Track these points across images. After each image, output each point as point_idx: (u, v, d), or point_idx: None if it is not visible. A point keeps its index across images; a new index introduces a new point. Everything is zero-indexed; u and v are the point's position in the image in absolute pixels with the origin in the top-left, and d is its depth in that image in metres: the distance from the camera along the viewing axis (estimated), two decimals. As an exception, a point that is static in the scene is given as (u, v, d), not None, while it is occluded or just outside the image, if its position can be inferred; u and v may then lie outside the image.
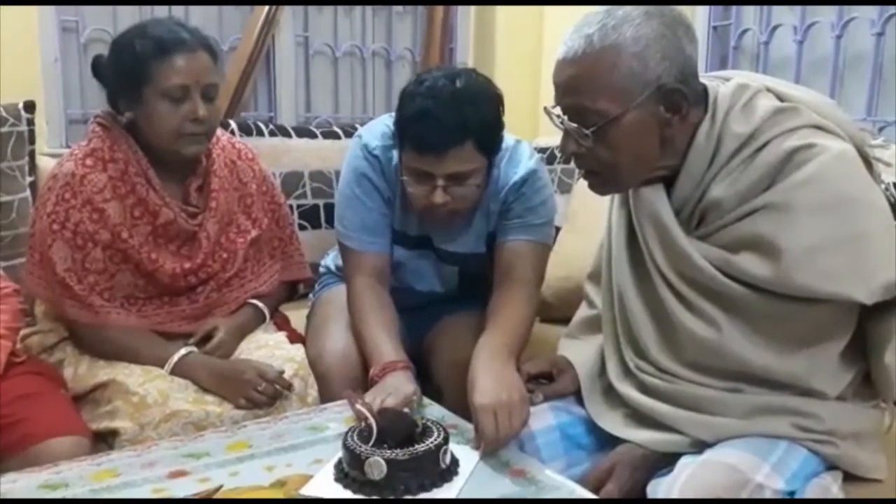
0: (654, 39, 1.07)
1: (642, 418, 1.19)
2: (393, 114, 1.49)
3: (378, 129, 1.56)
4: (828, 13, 2.11)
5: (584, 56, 1.08)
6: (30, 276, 1.51)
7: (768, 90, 1.14)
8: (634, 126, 1.10)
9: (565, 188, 2.18)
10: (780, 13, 2.24)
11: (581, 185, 2.06)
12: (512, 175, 1.54)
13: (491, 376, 1.24)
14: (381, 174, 1.55)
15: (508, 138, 1.58)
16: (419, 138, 1.39)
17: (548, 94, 2.91)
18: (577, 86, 1.10)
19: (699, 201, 1.14)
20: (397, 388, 1.30)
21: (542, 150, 2.32)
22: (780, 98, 1.13)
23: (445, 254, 1.63)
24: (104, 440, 1.38)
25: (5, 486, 1.09)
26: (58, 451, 1.24)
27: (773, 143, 1.07)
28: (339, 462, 1.12)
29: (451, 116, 1.35)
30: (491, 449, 1.17)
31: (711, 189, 1.12)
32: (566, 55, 1.10)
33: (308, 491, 1.07)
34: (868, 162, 1.11)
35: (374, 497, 1.05)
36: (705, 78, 1.17)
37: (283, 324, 1.74)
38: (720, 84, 1.15)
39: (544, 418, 1.27)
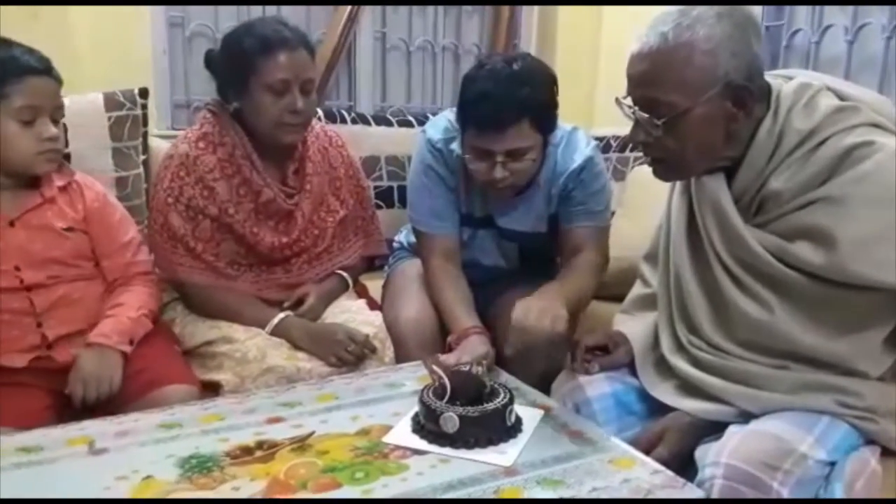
0: (725, 38, 1.06)
1: (692, 389, 1.19)
2: (454, 109, 1.50)
3: (440, 124, 1.58)
4: (878, 14, 2.03)
5: (658, 52, 1.07)
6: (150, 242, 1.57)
7: (828, 89, 1.11)
8: (702, 119, 1.08)
9: (620, 176, 2.16)
10: (832, 14, 2.17)
11: (635, 173, 2.05)
12: (570, 162, 1.54)
13: (535, 297, 1.28)
14: (444, 165, 1.57)
15: (564, 125, 1.59)
16: (480, 117, 1.40)
17: (604, 88, 2.87)
18: (651, 79, 1.09)
19: (758, 191, 1.12)
20: (472, 350, 1.33)
21: (598, 140, 2.30)
22: (840, 97, 1.11)
23: (506, 231, 1.64)
24: (208, 390, 1.43)
25: (129, 424, 1.15)
26: (173, 397, 1.30)
27: (833, 140, 1.05)
28: (416, 415, 1.15)
29: (509, 96, 1.36)
30: (517, 338, 1.18)
31: (771, 180, 1.10)
32: (641, 50, 1.09)
33: (389, 439, 1.10)
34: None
35: (447, 447, 1.08)
36: (769, 76, 1.14)
37: (363, 292, 1.77)
38: (783, 82, 1.13)
39: (600, 386, 1.27)
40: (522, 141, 1.41)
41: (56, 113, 1.35)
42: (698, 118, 1.08)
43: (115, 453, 1.06)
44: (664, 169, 1.19)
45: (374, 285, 1.83)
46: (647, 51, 1.09)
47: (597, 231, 1.56)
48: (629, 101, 1.14)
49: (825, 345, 1.10)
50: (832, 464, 1.05)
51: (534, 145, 1.43)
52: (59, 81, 1.35)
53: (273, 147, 1.53)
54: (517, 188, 1.53)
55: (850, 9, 2.09)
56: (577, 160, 1.54)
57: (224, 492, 0.96)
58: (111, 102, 1.81)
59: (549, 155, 1.55)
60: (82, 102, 1.79)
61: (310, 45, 1.52)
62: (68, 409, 1.31)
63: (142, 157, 1.85)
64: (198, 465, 1.02)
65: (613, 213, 2.02)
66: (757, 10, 2.29)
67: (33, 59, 1.31)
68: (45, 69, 1.32)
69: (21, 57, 1.30)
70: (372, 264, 1.89)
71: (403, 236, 1.87)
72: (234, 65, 1.47)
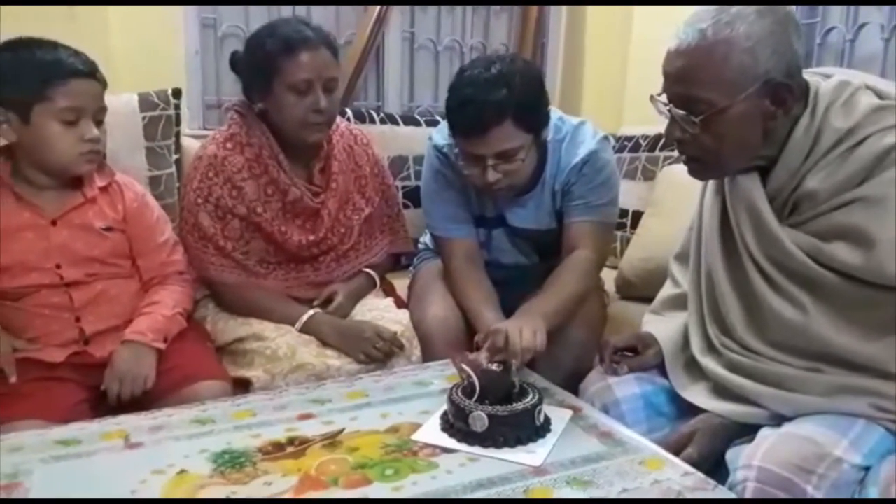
0: (766, 36, 1.04)
1: (723, 391, 1.18)
2: None
3: (444, 129, 1.58)
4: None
5: (696, 48, 1.06)
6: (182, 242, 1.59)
7: (868, 88, 1.09)
8: (740, 117, 1.07)
9: (649, 175, 2.13)
10: (867, 12, 2.12)
11: (664, 173, 2.03)
12: (573, 156, 1.53)
13: (513, 322, 1.29)
14: (451, 168, 1.58)
15: (570, 120, 1.58)
16: (463, 123, 1.41)
17: (633, 87, 2.81)
18: (688, 76, 1.08)
19: (794, 191, 1.11)
20: None
21: (627, 139, 2.28)
22: (880, 96, 1.08)
23: (519, 230, 1.64)
24: (239, 386, 1.44)
25: (163, 419, 1.17)
26: (204, 393, 1.32)
27: (872, 139, 1.03)
28: (445, 414, 1.15)
29: (487, 99, 1.36)
30: (500, 356, 1.19)
31: (807, 180, 1.09)
32: (679, 47, 1.08)
33: (418, 437, 1.11)
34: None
35: (476, 446, 1.08)
36: (806, 74, 1.13)
37: (390, 290, 1.78)
38: (821, 80, 1.11)
39: (629, 387, 1.27)
40: (509, 142, 1.40)
41: (99, 114, 1.38)
42: (736, 116, 1.07)
43: (150, 447, 1.08)
44: (700, 167, 1.17)
45: (400, 284, 1.84)
46: (685, 47, 1.07)
47: (594, 226, 1.54)
48: (664, 98, 1.13)
49: (860, 346, 1.08)
50: (867, 468, 1.03)
51: (523, 145, 1.42)
52: (103, 84, 1.38)
53: (299, 146, 1.55)
54: (516, 189, 1.53)
55: (886, 7, 2.05)
56: (581, 154, 1.53)
57: (256, 486, 0.97)
58: (145, 103, 1.84)
59: (554, 151, 1.54)
60: (117, 103, 1.81)
61: (332, 44, 1.52)
62: (103, 404, 1.33)
63: (174, 157, 1.87)
64: (230, 461, 1.03)
65: (641, 215, 2.03)
66: (790, 7, 2.25)
67: (78, 61, 1.33)
68: (89, 72, 1.34)
69: (66, 59, 1.32)
70: (398, 262, 1.90)
71: (429, 238, 1.88)
72: (258, 66, 1.49)
